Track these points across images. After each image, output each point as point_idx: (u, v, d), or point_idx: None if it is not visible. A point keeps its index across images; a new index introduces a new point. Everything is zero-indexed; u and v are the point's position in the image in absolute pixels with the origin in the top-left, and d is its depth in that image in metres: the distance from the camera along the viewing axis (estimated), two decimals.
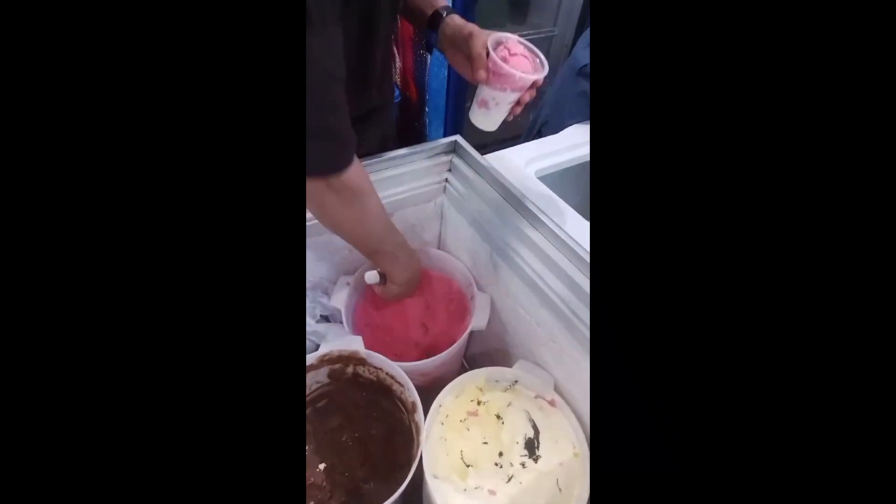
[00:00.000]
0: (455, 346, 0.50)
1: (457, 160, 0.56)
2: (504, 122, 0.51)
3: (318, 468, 0.49)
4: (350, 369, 0.50)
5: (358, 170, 0.42)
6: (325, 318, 0.56)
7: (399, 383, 0.48)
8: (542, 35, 1.50)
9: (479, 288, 0.56)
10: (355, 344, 0.49)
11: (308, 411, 0.51)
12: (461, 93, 1.30)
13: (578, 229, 0.57)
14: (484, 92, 0.49)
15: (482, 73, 0.47)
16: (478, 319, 0.52)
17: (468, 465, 0.44)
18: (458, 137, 0.56)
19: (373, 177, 0.52)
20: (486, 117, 0.50)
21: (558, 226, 0.46)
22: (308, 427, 0.51)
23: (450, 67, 1.26)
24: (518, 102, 0.49)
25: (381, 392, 0.51)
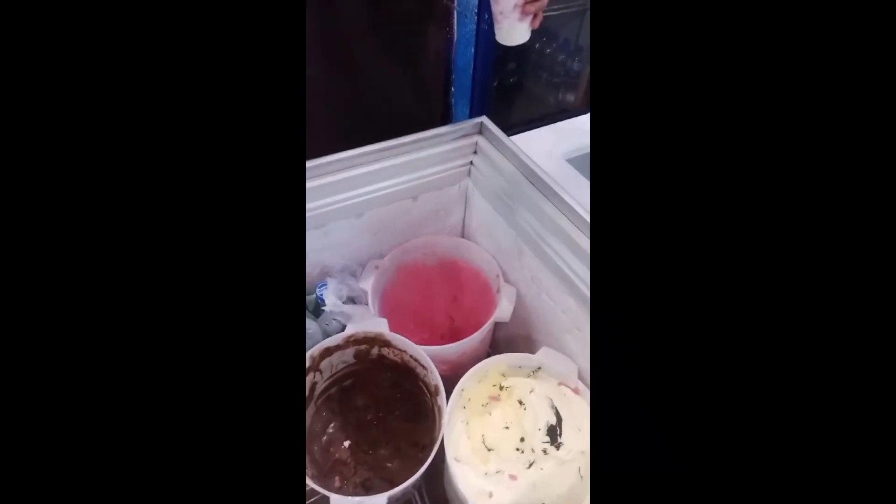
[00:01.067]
0: (477, 334, 0.50)
1: (483, 142, 0.55)
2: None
3: (343, 445, 0.50)
4: (375, 350, 0.51)
5: None
6: (352, 300, 0.57)
7: (423, 366, 0.48)
8: (574, 9, 1.44)
9: (505, 277, 0.56)
10: (381, 326, 0.49)
11: (334, 390, 0.53)
12: (488, 72, 1.27)
13: None
14: (492, 5, 0.48)
15: None
16: (502, 311, 0.52)
17: (489, 450, 0.44)
18: (484, 118, 0.55)
19: (396, 160, 0.52)
20: (501, 30, 0.49)
21: (587, 211, 0.45)
22: (334, 405, 0.52)
23: (476, 46, 1.23)
24: (526, 10, 0.47)
25: (405, 374, 0.51)
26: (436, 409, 0.46)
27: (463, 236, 0.64)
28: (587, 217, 0.45)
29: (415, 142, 0.52)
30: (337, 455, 0.49)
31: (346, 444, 0.50)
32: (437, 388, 0.46)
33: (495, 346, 0.64)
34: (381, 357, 0.52)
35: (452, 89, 1.31)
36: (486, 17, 1.20)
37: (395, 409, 0.52)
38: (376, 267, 0.56)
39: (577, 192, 0.49)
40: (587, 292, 0.44)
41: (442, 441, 0.42)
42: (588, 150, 0.70)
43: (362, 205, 0.52)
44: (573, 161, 0.67)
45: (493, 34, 1.18)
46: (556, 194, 0.47)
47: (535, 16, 0.48)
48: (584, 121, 0.75)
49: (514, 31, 0.49)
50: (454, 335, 0.58)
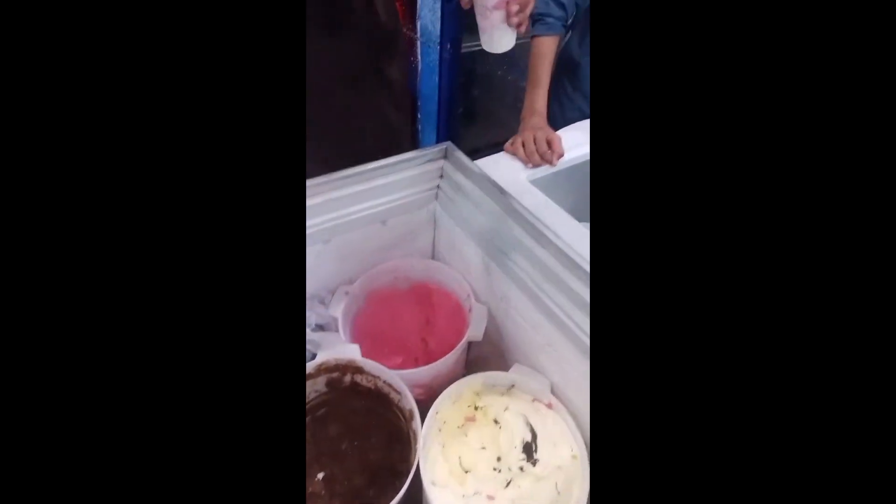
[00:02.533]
0: (450, 356, 0.50)
1: (448, 166, 0.57)
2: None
3: (316, 477, 0.49)
4: (348, 378, 0.51)
5: None
6: (321, 328, 0.56)
7: (396, 391, 0.48)
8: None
9: (476, 297, 0.57)
10: (352, 352, 0.49)
11: (307, 420, 0.52)
12: (453, 98, 1.31)
13: (571, 233, 0.58)
14: (476, 13, 0.50)
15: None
16: (473, 330, 0.53)
17: (466, 471, 0.44)
18: (448, 144, 0.57)
19: (363, 186, 0.52)
20: (492, 39, 0.51)
21: (550, 230, 0.47)
22: (307, 436, 0.51)
23: (440, 73, 1.27)
24: (510, 13, 0.49)
25: (379, 400, 0.51)
26: (411, 434, 0.46)
27: (433, 258, 0.64)
28: (551, 236, 0.46)
29: (381, 167, 0.53)
30: (310, 489, 0.48)
31: (320, 476, 0.49)
32: (411, 412, 0.45)
33: (469, 366, 0.64)
34: (355, 384, 0.51)
35: (419, 116, 1.34)
36: (448, 46, 1.24)
37: (371, 437, 0.51)
38: (346, 293, 0.55)
39: (542, 212, 0.51)
40: (555, 308, 0.45)
41: (418, 466, 0.42)
42: (550, 171, 0.73)
43: (330, 231, 0.53)
44: (536, 182, 0.69)
45: (456, 62, 1.22)
46: (520, 215, 0.49)
47: (520, 24, 0.51)
48: None
49: (503, 38, 0.51)
50: (428, 358, 0.58)
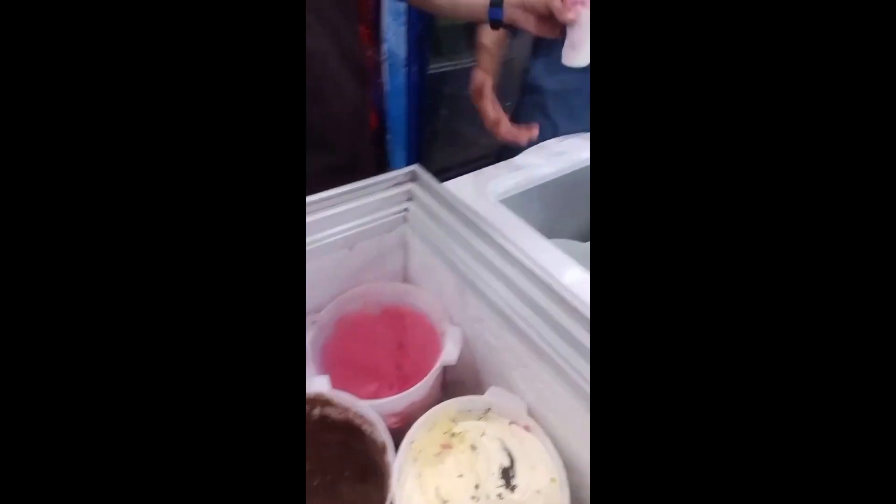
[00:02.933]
0: (424, 381, 0.49)
1: (416, 189, 0.56)
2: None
3: None
4: (317, 411, 0.49)
5: None
6: None
7: (369, 423, 0.46)
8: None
9: (451, 319, 0.56)
10: (319, 385, 0.47)
11: None
12: (422, 119, 1.32)
13: (541, 252, 0.58)
14: (577, 28, 0.52)
15: (570, 14, 0.50)
16: (448, 354, 0.52)
17: (444, 501, 0.42)
18: (416, 166, 0.56)
19: (330, 211, 0.52)
20: (577, 52, 0.53)
21: (519, 249, 0.47)
22: None
23: (409, 93, 1.28)
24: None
25: (351, 433, 0.49)
26: (385, 466, 0.44)
27: (405, 281, 0.63)
28: (520, 256, 0.46)
29: (347, 192, 0.52)
30: None
31: None
32: (384, 444, 0.44)
33: (445, 390, 0.63)
34: (324, 417, 0.49)
35: (388, 137, 1.34)
36: (415, 68, 1.26)
37: (344, 471, 0.50)
38: (313, 322, 0.54)
39: (510, 231, 0.51)
40: (527, 328, 0.45)
41: (394, 500, 0.40)
42: (519, 191, 0.73)
43: None
44: (506, 201, 0.70)
45: (423, 83, 1.23)
46: (487, 235, 0.49)
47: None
48: (513, 162, 0.79)
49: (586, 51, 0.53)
50: (404, 383, 0.57)
